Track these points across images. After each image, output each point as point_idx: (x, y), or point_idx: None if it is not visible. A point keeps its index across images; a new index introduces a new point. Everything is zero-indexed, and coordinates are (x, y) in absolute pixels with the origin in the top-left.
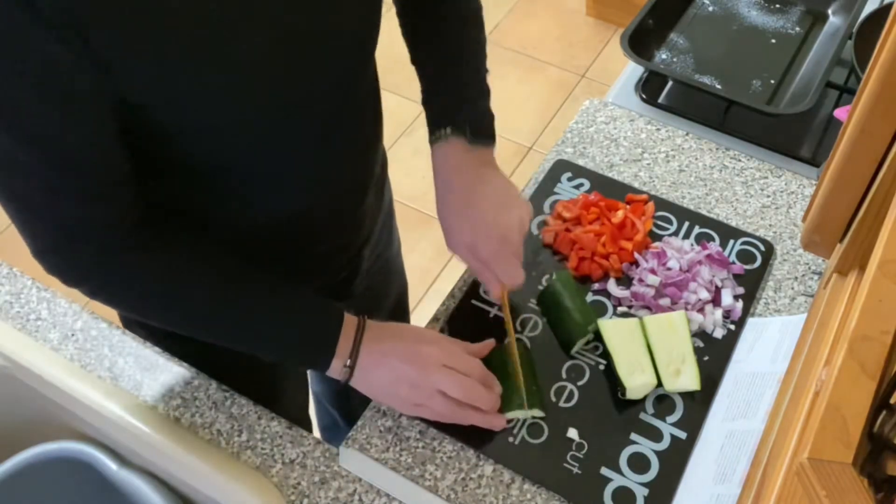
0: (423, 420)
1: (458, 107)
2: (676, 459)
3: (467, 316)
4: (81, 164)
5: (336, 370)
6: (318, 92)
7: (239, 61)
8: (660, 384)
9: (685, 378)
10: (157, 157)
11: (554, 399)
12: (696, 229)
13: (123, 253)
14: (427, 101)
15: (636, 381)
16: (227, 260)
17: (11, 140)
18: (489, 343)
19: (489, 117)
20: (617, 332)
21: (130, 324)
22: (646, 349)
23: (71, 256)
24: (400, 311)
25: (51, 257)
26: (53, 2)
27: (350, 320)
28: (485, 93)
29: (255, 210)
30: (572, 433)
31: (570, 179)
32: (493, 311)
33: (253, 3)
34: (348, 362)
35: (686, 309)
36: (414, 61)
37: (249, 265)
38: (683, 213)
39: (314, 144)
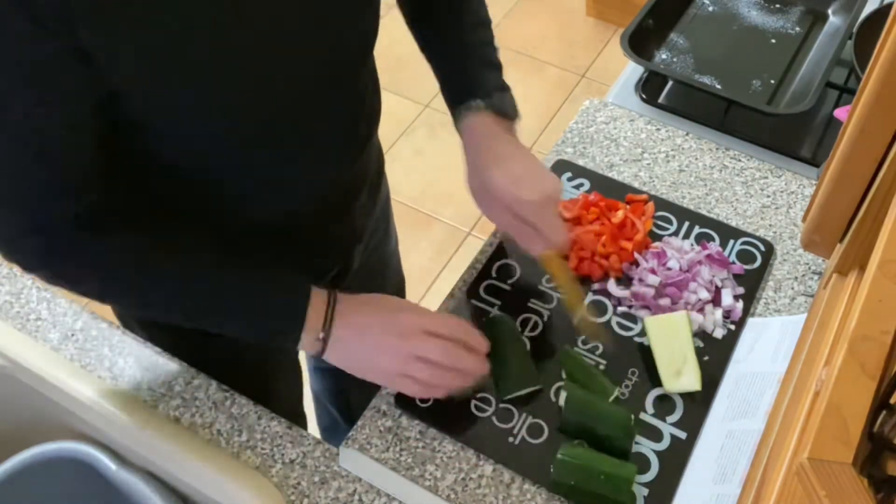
0: (422, 420)
1: (486, 83)
2: (676, 459)
3: (467, 316)
4: (54, 157)
5: (308, 343)
6: (308, 91)
7: (225, 59)
8: (660, 384)
9: (686, 379)
10: (145, 156)
11: (553, 399)
12: (696, 229)
13: (86, 239)
14: (450, 77)
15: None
16: (191, 239)
17: None
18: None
19: (510, 92)
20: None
21: (130, 323)
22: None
23: (33, 244)
24: None
25: (9, 245)
26: None
27: (320, 293)
28: (501, 67)
29: (240, 208)
30: None
31: (570, 179)
32: (493, 312)
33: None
34: (321, 335)
35: (686, 309)
36: (424, 48)
37: (214, 245)
38: (683, 213)
39: (302, 142)
